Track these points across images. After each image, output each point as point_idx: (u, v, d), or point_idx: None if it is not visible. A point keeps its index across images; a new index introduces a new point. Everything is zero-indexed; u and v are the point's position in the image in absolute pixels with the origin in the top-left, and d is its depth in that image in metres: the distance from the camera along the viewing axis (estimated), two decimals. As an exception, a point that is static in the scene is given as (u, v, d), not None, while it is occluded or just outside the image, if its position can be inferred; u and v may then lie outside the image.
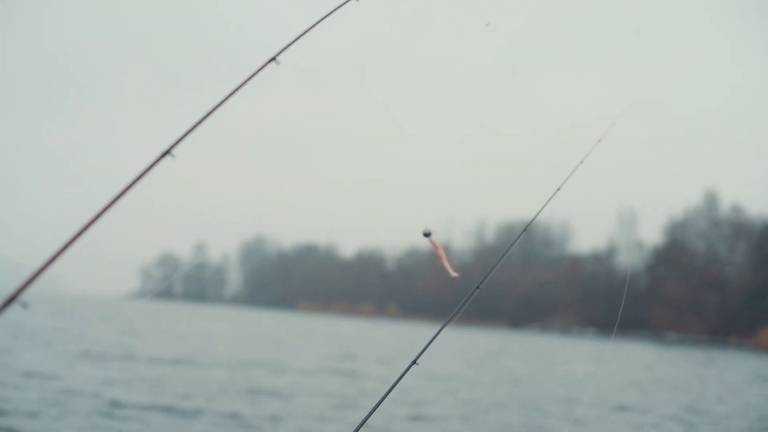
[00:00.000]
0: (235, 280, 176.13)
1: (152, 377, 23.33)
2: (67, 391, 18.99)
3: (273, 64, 3.14)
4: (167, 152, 2.62)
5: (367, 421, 3.61)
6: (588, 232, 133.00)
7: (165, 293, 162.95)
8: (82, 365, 25.21)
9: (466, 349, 50.32)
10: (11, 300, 2.15)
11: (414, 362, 3.85)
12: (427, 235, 3.59)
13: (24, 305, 2.16)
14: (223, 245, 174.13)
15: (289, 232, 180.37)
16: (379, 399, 3.58)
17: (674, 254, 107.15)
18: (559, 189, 4.68)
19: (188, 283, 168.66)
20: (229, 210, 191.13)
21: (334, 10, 3.40)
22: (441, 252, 3.52)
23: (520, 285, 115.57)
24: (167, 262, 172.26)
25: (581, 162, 4.86)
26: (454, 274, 3.52)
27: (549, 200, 4.63)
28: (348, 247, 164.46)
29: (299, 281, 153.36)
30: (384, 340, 58.16)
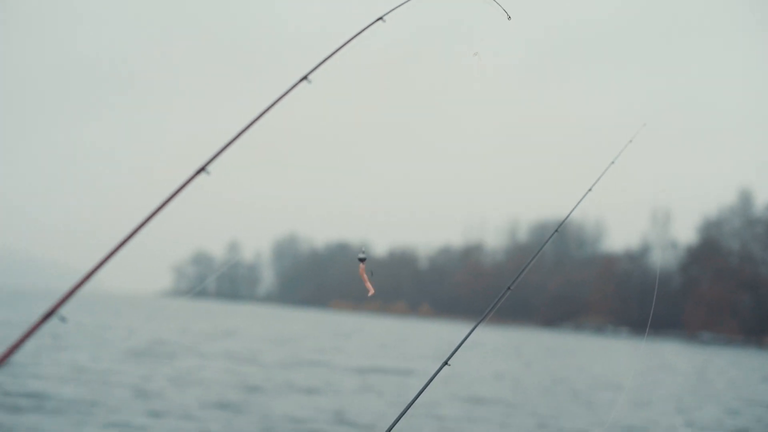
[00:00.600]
0: (267, 279, 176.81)
1: (201, 374, 23.59)
2: (117, 386, 19.26)
3: (305, 82, 3.16)
4: (202, 169, 2.64)
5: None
6: (621, 232, 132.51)
7: (197, 291, 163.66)
8: (130, 363, 25.51)
9: (499, 349, 50.20)
10: (50, 314, 2.17)
11: (446, 363, 3.84)
12: (362, 260, 3.59)
13: (63, 319, 2.18)
14: (256, 244, 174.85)
15: (321, 230, 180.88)
16: (410, 400, 3.58)
17: (708, 253, 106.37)
18: (590, 190, 4.66)
19: (221, 282, 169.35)
20: (262, 209, 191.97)
21: (362, 30, 3.41)
22: (363, 276, 3.55)
23: (553, 284, 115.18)
24: (200, 260, 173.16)
25: (612, 163, 4.85)
26: (371, 291, 3.55)
27: (580, 201, 4.62)
28: (380, 245, 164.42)
29: (331, 280, 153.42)
30: (425, 339, 58.13)
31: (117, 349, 30.27)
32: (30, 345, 24.40)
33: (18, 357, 21.72)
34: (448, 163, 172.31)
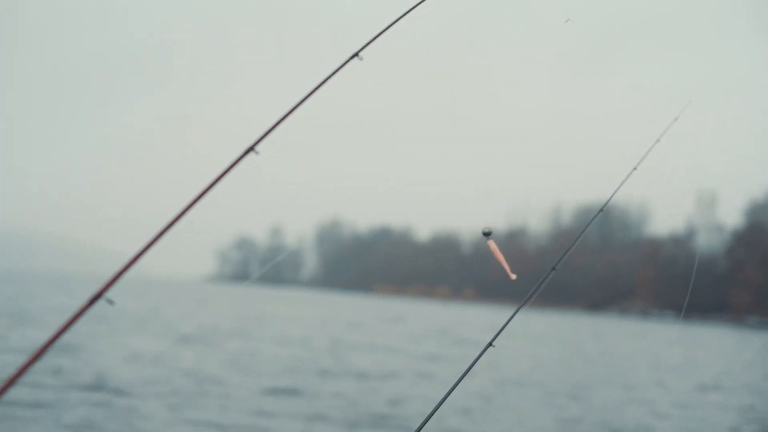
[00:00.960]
0: (310, 263, 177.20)
1: (253, 358, 23.81)
2: (177, 372, 19.51)
3: (356, 60, 3.12)
4: (251, 149, 2.63)
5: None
6: (666, 215, 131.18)
7: (241, 276, 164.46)
8: (184, 347, 25.82)
9: (544, 332, 50.07)
10: (97, 297, 2.19)
11: (490, 344, 3.82)
12: (487, 234, 3.45)
13: (110, 302, 2.19)
14: (299, 228, 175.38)
15: (364, 214, 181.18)
16: (455, 381, 3.57)
17: (755, 236, 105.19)
18: (635, 168, 4.62)
19: (265, 266, 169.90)
20: (305, 192, 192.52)
21: (414, 6, 3.38)
22: (498, 255, 3.43)
23: (597, 268, 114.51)
24: (243, 245, 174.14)
25: (657, 141, 4.80)
26: (512, 276, 3.44)
27: (625, 179, 4.57)
28: (423, 229, 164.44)
29: (375, 264, 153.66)
30: (470, 322, 58.07)
31: (170, 333, 30.60)
32: (84, 329, 24.79)
33: (75, 341, 22.05)
34: (491, 147, 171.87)
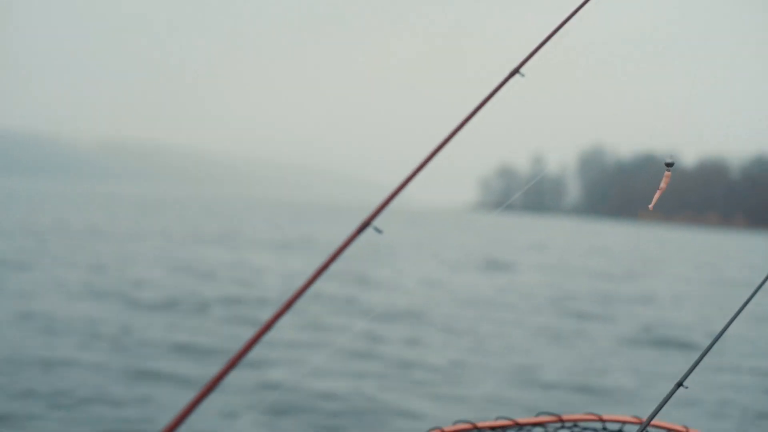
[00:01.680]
0: (573, 191, 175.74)
1: (533, 286, 24.24)
2: (454, 295, 20.12)
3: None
4: (516, 71, 2.55)
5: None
6: None
7: (506, 206, 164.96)
8: (459, 274, 26.44)
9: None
10: (365, 225, 2.20)
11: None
12: (669, 165, 3.20)
13: (378, 230, 2.20)
14: (561, 156, 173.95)
15: (627, 140, 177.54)
16: (737, 309, 3.37)
17: None
18: None
19: (527, 194, 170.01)
20: (567, 119, 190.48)
21: None
22: (663, 187, 3.19)
23: None
24: (505, 174, 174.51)
25: None
26: (650, 206, 3.21)
27: None
28: (689, 156, 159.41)
29: (639, 191, 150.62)
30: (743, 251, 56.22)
31: (441, 261, 31.29)
32: (359, 256, 25.93)
33: (352, 268, 23.01)
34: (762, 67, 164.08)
